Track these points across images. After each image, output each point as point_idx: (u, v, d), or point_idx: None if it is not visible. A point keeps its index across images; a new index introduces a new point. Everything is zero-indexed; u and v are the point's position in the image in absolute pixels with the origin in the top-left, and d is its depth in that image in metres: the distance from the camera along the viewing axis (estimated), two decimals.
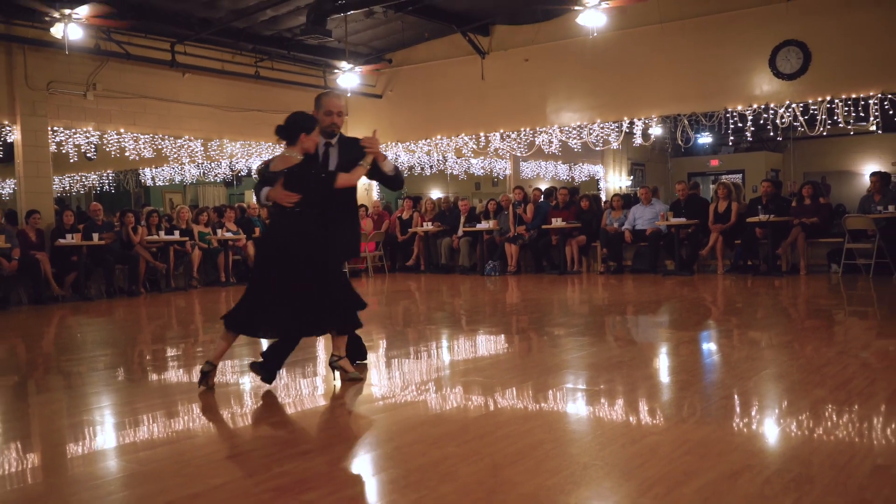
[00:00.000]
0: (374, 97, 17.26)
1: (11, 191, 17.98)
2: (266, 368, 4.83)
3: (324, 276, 4.91)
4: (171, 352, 7.04)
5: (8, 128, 12.57)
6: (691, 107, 13.99)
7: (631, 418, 4.00)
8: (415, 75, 16.84)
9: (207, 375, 4.87)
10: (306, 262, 4.81)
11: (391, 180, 5.32)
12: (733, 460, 3.18)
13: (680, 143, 14.40)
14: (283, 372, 5.07)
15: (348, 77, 14.26)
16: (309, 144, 4.88)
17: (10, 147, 12.90)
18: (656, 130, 14.89)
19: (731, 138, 14.17)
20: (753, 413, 4.06)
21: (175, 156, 15.09)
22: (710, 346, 6.35)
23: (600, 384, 4.79)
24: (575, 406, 4.34)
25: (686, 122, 14.04)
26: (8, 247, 10.99)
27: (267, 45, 15.02)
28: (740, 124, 13.42)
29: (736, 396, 4.37)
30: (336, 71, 14.57)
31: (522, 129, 15.60)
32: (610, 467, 3.19)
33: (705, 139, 21.91)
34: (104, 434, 4.15)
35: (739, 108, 13.29)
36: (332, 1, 12.22)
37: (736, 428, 3.79)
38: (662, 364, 5.74)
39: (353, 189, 5.22)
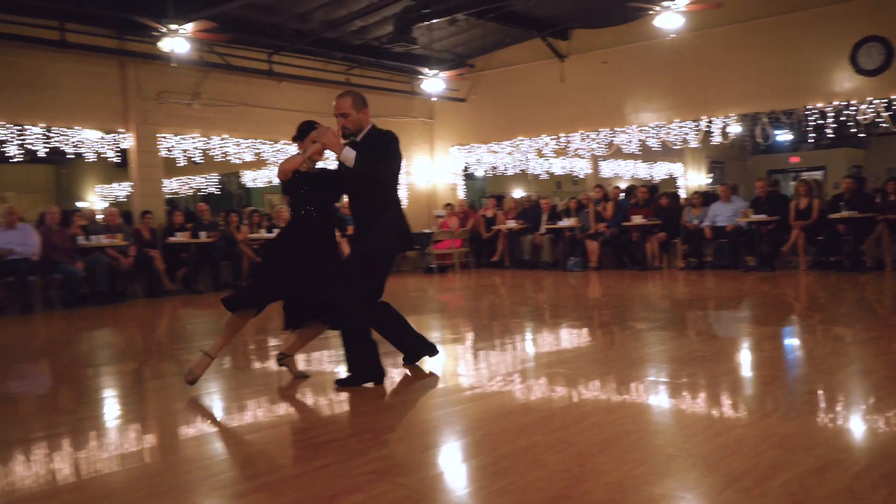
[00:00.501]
0: (458, 101, 17.27)
1: (127, 193, 18.68)
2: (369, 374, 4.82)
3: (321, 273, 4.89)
4: (272, 342, 7.17)
5: (123, 135, 13.06)
6: (770, 105, 13.57)
7: (714, 411, 3.90)
8: (496, 79, 16.78)
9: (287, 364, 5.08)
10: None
11: (358, 175, 4.77)
12: (820, 455, 3.07)
13: (759, 140, 13.98)
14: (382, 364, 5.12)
15: (433, 82, 14.31)
16: (307, 147, 4.93)
17: (125, 153, 13.41)
18: (735, 128, 14.45)
19: (812, 135, 13.67)
20: (839, 408, 3.91)
21: (273, 159, 15.40)
22: (793, 342, 6.14)
23: (683, 378, 4.69)
24: (658, 398, 4.26)
25: (765, 119, 13.62)
26: (125, 244, 11.44)
27: (357, 54, 15.19)
28: (821, 121, 12.94)
29: (821, 392, 4.22)
30: (421, 77, 14.64)
31: (602, 130, 15.38)
32: (695, 459, 3.12)
33: (785, 136, 21.20)
34: (213, 417, 4.28)
35: (820, 105, 12.80)
36: (418, 10, 12.27)
37: (822, 423, 3.66)
38: (745, 359, 5.58)
39: (380, 187, 4.90)
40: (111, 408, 4.74)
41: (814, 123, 12.97)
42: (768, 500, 2.64)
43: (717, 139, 14.12)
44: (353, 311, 4.78)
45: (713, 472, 2.95)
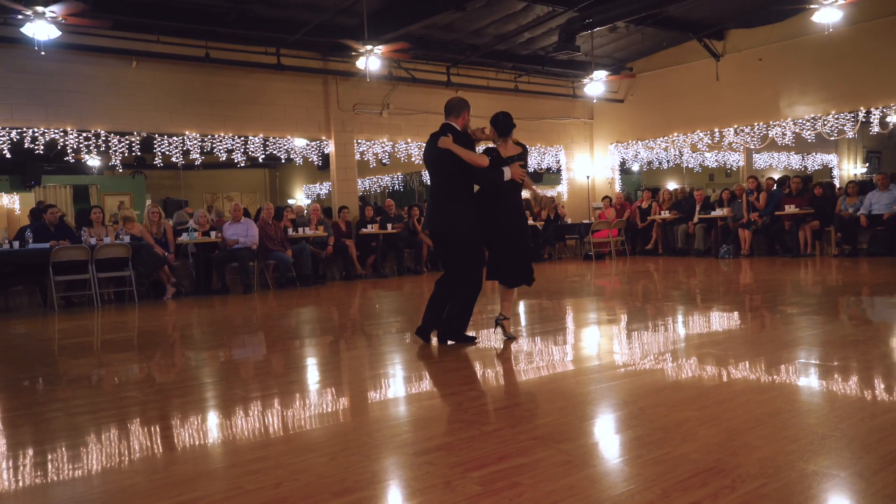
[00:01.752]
0: (617, 101, 16.82)
1: (327, 191, 19.60)
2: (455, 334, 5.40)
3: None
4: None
5: (325, 142, 13.72)
6: None
7: (868, 394, 3.57)
8: (653, 80, 16.18)
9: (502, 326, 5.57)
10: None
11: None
12: None
13: None
14: (538, 339, 5.08)
15: (594, 86, 14.00)
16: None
17: (326, 157, 14.08)
18: (894, 118, 13.14)
19: None
20: None
21: None
22: None
23: (835, 360, 4.33)
24: (809, 380, 3.95)
25: None
26: (325, 235, 12.01)
27: (524, 63, 15.11)
28: None
29: None
30: (584, 81, 14.35)
31: (756, 124, 14.47)
32: (849, 439, 2.86)
33: None
34: (396, 384, 4.40)
35: None
36: (581, 21, 12.03)
37: None
38: None
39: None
40: (313, 374, 4.99)
41: None
42: None
43: (875, 129, 12.91)
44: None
45: (868, 452, 2.70)
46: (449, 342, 5.38)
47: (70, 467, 3.01)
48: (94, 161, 16.08)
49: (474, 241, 5.29)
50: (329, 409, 3.84)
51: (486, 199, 5.35)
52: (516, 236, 5.35)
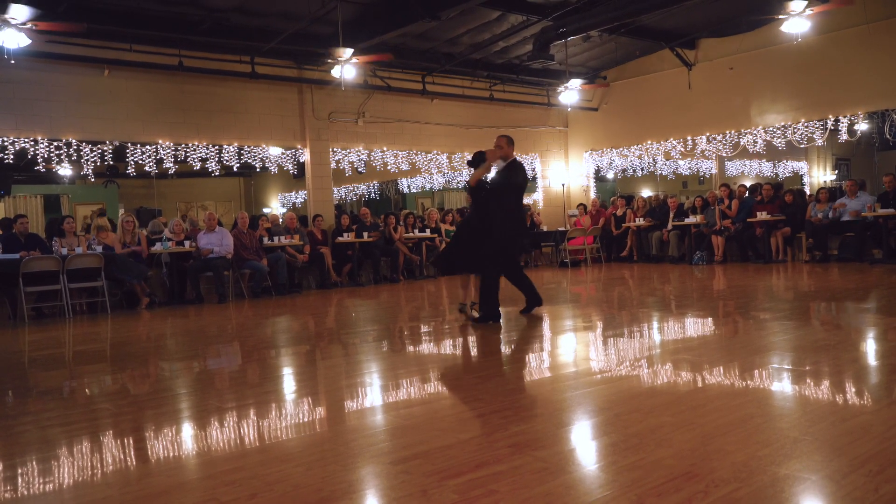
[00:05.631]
0: (591, 110, 16.96)
1: (303, 200, 19.53)
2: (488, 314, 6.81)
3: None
4: (424, 328, 7.30)
5: (300, 150, 13.68)
6: None
7: (839, 398, 3.63)
8: (626, 88, 16.35)
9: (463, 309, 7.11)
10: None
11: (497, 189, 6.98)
12: None
13: (888, 136, 12.89)
14: (515, 347, 5.10)
15: (568, 94, 14.10)
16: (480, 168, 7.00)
17: (301, 166, 14.03)
18: (862, 126, 13.39)
19: None
20: None
21: (425, 167, 15.68)
22: None
23: (806, 365, 4.39)
24: (781, 385, 4.01)
25: (895, 116, 12.54)
26: (301, 244, 11.96)
27: (499, 72, 15.20)
28: None
29: None
30: (559, 89, 14.46)
31: (728, 132, 14.67)
32: (820, 443, 2.91)
33: None
34: (373, 393, 4.38)
35: None
36: (555, 30, 12.12)
37: None
38: (870, 348, 5.13)
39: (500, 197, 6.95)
40: (289, 383, 4.96)
41: None
42: (894, 485, 2.42)
43: (843, 137, 13.15)
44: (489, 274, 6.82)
45: (838, 455, 2.74)
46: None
47: (41, 481, 2.96)
48: (65, 170, 15.89)
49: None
50: (305, 419, 3.82)
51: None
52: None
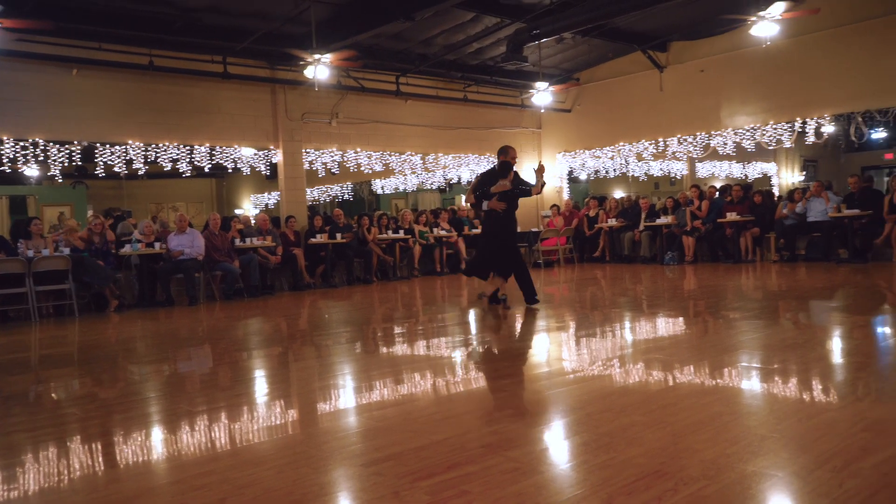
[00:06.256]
0: (564, 111, 17.07)
1: (276, 201, 19.41)
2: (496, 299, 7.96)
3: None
4: (397, 329, 7.29)
5: (273, 151, 13.59)
6: (865, 104, 12.71)
7: (806, 396, 3.69)
8: (599, 90, 16.48)
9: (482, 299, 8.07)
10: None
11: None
12: None
13: (853, 139, 13.13)
14: (488, 347, 5.10)
15: (542, 96, 14.17)
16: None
17: (274, 167, 13.95)
18: (829, 128, 13.62)
19: None
20: None
21: (399, 168, 15.66)
22: (885, 330, 5.72)
23: (774, 364, 4.46)
24: (750, 383, 4.07)
25: (860, 119, 12.78)
26: (273, 245, 11.88)
27: (473, 73, 15.22)
28: None
29: None
30: (532, 91, 14.53)
31: (698, 133, 14.85)
32: (787, 440, 2.95)
33: (879, 134, 19.82)
34: (346, 395, 4.37)
35: None
36: (528, 32, 12.18)
37: None
38: (836, 346, 5.23)
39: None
40: (261, 386, 4.92)
41: None
42: (859, 480, 2.47)
43: (811, 139, 13.37)
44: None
45: (805, 452, 2.79)
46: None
47: (5, 488, 2.91)
48: (32, 171, 15.62)
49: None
50: (277, 422, 3.79)
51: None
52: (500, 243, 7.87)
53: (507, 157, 7.74)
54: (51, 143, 11.17)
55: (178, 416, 3.96)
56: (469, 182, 18.56)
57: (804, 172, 20.25)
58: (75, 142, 11.40)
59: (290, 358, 5.95)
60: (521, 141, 17.33)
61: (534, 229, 15.82)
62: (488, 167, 7.92)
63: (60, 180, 12.19)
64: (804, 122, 13.30)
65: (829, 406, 3.48)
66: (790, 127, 13.53)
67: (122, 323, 8.93)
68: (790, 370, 4.24)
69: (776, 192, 17.91)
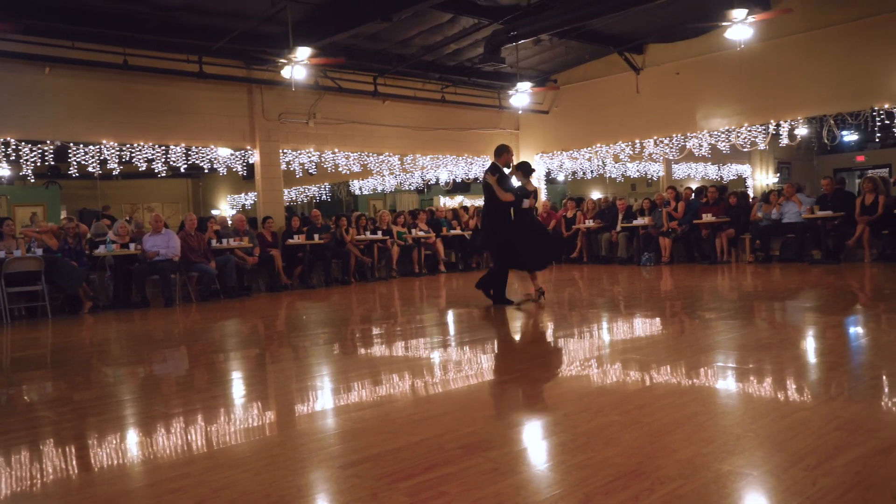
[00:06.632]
0: (542, 113, 17.13)
1: (253, 201, 19.28)
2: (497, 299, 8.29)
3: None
4: (376, 330, 7.28)
5: (250, 152, 13.50)
6: (837, 107, 12.89)
7: (780, 395, 3.74)
8: (577, 92, 16.56)
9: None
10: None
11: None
12: (885, 437, 2.89)
13: (826, 141, 13.32)
14: (466, 348, 5.11)
15: (520, 97, 14.21)
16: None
17: (251, 167, 13.85)
18: (802, 131, 13.80)
19: (878, 135, 12.89)
20: None
21: (377, 169, 15.63)
22: (857, 330, 5.81)
23: (749, 363, 4.51)
24: (726, 383, 4.11)
25: (832, 121, 12.97)
26: (251, 246, 11.80)
27: (451, 74, 15.23)
28: (887, 121, 12.21)
29: (885, 377, 3.98)
30: (510, 92, 14.57)
31: (674, 135, 14.98)
32: (761, 439, 2.99)
33: (851, 137, 20.14)
34: (324, 397, 4.35)
35: (886, 106, 12.10)
36: (506, 33, 12.22)
37: (886, 406, 3.46)
38: (810, 346, 5.30)
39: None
40: (238, 388, 4.89)
41: (880, 124, 12.27)
42: (832, 478, 2.50)
43: (784, 141, 13.54)
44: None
45: (779, 451, 2.82)
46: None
47: None
48: (3, 171, 15.37)
49: (491, 247, 8.84)
50: (254, 424, 3.77)
51: (514, 215, 8.20)
52: (531, 236, 8.24)
53: (510, 157, 8.36)
54: (23, 143, 11.00)
55: (154, 418, 3.92)
56: (447, 183, 18.60)
57: (778, 174, 20.51)
58: (48, 141, 11.24)
59: (268, 360, 5.92)
60: (498, 142, 17.29)
61: None
62: (487, 167, 8.33)
63: (33, 180, 12.00)
64: (778, 125, 13.46)
65: (802, 405, 3.52)
66: (764, 129, 13.70)
67: (96, 325, 8.83)
68: (765, 370, 4.29)
69: (751, 193, 18.12)
